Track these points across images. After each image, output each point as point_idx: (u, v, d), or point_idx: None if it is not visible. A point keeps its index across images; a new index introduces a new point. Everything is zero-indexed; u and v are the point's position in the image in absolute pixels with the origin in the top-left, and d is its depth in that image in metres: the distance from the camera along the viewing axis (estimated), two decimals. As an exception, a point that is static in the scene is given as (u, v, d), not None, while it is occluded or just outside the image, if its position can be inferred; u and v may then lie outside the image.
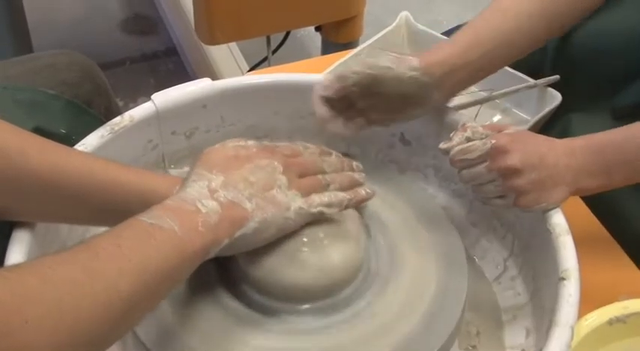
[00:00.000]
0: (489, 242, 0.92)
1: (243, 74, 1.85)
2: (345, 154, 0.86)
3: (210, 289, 0.77)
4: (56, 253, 0.62)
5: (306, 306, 0.76)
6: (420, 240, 0.83)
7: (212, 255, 0.68)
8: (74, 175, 0.73)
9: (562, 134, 0.84)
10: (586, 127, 0.85)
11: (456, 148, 0.81)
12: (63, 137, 0.94)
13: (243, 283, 0.77)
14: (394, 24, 1.19)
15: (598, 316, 0.80)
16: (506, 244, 0.90)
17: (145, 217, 0.65)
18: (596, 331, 0.79)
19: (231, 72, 1.99)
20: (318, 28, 1.81)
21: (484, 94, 1.08)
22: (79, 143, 0.85)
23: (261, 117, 0.96)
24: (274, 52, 1.87)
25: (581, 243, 0.78)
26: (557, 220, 0.80)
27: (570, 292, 0.73)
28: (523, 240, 0.87)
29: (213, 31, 1.66)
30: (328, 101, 0.86)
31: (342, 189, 0.79)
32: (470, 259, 0.82)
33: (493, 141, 0.80)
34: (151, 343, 0.73)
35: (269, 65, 1.84)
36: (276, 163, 0.75)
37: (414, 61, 0.84)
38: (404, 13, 1.20)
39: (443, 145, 0.83)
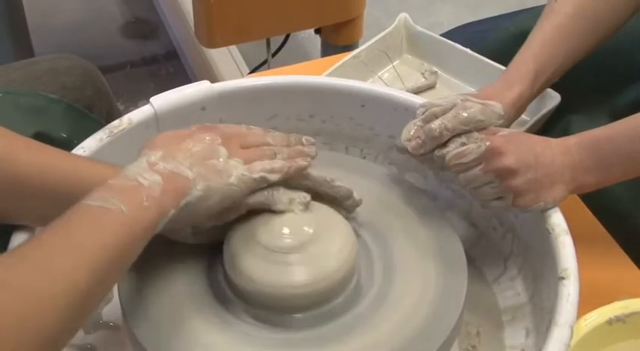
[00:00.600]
0: (489, 242, 0.92)
1: (243, 77, 1.85)
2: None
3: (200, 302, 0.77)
4: (11, 254, 0.62)
5: (299, 315, 0.75)
6: (418, 240, 0.82)
7: (160, 228, 0.68)
8: (62, 176, 0.74)
9: (562, 135, 0.84)
10: (586, 128, 0.85)
11: (452, 153, 0.81)
12: (64, 141, 0.94)
13: (233, 295, 0.77)
14: (393, 26, 1.19)
15: (597, 316, 0.80)
16: (505, 244, 0.90)
17: (91, 201, 0.65)
18: (595, 331, 0.79)
19: (231, 75, 1.99)
20: (317, 31, 1.81)
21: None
22: (78, 147, 0.85)
23: (260, 119, 0.96)
24: (274, 54, 1.87)
25: (581, 242, 0.78)
26: (557, 219, 0.80)
27: (570, 291, 0.73)
28: (522, 240, 0.87)
29: (213, 34, 1.66)
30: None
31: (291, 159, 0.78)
32: (470, 259, 0.82)
33: (487, 143, 0.80)
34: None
35: (269, 68, 1.84)
36: (215, 136, 0.75)
37: (498, 108, 0.84)
38: (403, 15, 1.20)
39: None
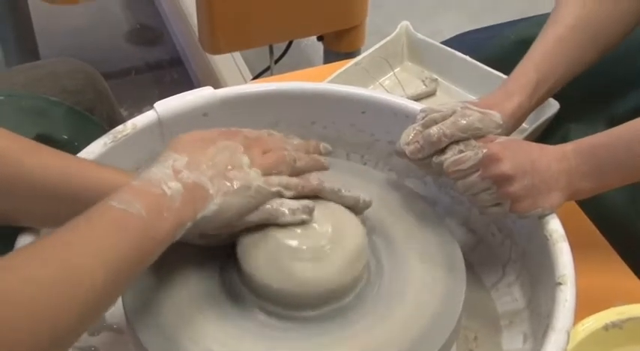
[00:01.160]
0: (487, 248, 0.93)
1: (246, 83, 1.85)
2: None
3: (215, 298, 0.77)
4: (30, 247, 0.63)
5: (310, 312, 0.75)
6: (418, 245, 0.83)
7: (177, 237, 0.69)
8: (65, 178, 0.75)
9: (561, 143, 0.84)
10: (585, 136, 0.85)
11: (450, 160, 0.81)
12: (65, 143, 0.94)
13: (246, 291, 0.77)
14: (394, 33, 1.19)
15: (594, 322, 0.80)
16: (504, 250, 0.90)
17: (115, 202, 0.66)
18: (592, 337, 0.79)
19: (234, 81, 1.99)
20: (320, 38, 1.82)
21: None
22: (83, 151, 0.85)
23: (263, 125, 0.95)
24: (277, 61, 1.88)
25: (578, 249, 0.79)
26: (554, 226, 0.80)
27: (567, 297, 0.74)
28: (520, 246, 0.88)
29: (217, 40, 1.66)
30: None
31: (308, 169, 0.80)
32: (468, 264, 0.82)
33: (484, 150, 0.80)
34: None
35: (272, 74, 1.85)
36: (237, 143, 0.76)
37: (497, 118, 0.85)
38: (404, 23, 1.20)
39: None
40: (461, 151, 0.82)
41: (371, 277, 0.80)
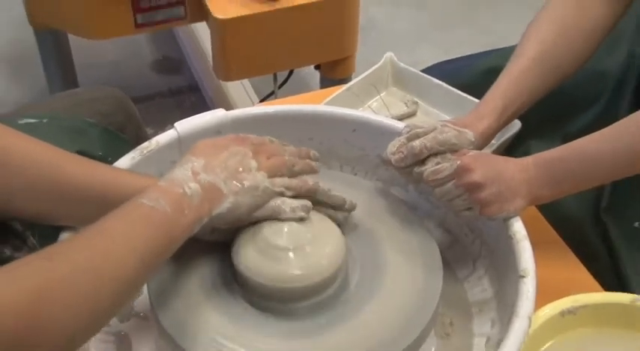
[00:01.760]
0: (461, 246, 0.92)
1: (253, 105, 1.85)
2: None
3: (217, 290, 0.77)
4: (76, 237, 0.64)
5: (295, 304, 0.75)
6: (401, 244, 0.83)
7: (195, 231, 0.70)
8: (103, 184, 0.75)
9: (523, 157, 0.85)
10: (543, 151, 0.85)
11: (429, 170, 0.82)
12: (100, 159, 0.94)
13: (240, 285, 0.77)
14: (380, 63, 1.19)
15: (552, 309, 0.80)
16: (474, 248, 0.90)
17: (146, 200, 0.66)
18: (549, 322, 0.79)
19: (244, 104, 1.99)
20: (317, 67, 1.82)
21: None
22: (115, 163, 0.86)
23: (268, 141, 0.96)
24: (280, 86, 1.88)
25: (538, 246, 0.79)
26: (518, 227, 0.81)
27: (528, 288, 0.74)
28: (489, 245, 0.88)
29: (228, 69, 1.67)
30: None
31: (303, 172, 0.80)
32: (444, 260, 0.83)
33: (458, 162, 0.81)
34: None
35: (275, 98, 1.85)
36: (247, 149, 0.77)
37: (470, 136, 0.85)
38: (389, 54, 1.20)
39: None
40: (439, 163, 0.82)
41: (356, 273, 0.80)
